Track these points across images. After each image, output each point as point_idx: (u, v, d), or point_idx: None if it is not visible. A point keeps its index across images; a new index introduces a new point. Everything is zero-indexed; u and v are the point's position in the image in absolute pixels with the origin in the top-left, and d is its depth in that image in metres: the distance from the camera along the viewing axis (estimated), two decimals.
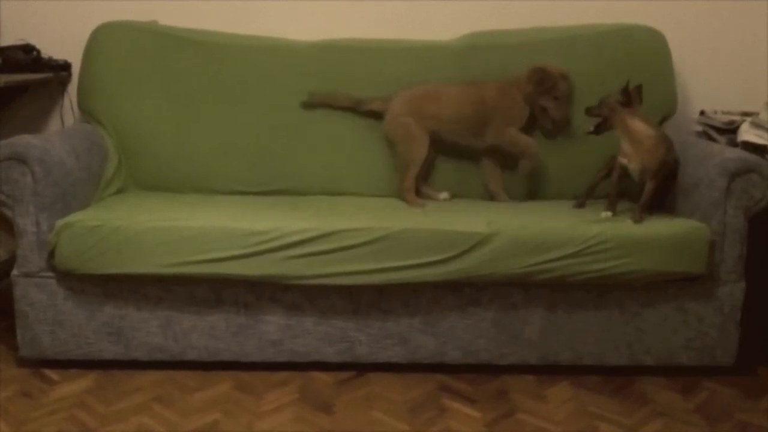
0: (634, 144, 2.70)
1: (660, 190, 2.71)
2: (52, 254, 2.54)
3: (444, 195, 2.99)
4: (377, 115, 3.02)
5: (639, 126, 2.70)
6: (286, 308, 2.61)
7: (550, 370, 2.67)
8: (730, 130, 2.95)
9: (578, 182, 2.98)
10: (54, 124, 3.30)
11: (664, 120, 3.09)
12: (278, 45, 3.11)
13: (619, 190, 2.77)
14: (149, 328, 2.61)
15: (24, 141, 2.58)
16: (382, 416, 2.42)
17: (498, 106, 2.95)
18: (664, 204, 2.78)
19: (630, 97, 2.71)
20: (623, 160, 2.73)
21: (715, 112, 3.10)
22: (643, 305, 2.61)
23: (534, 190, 3.05)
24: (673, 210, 2.75)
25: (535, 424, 2.39)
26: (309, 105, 3.03)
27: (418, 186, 2.99)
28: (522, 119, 2.97)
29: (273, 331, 2.62)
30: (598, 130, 2.78)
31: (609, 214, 2.72)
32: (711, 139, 3.00)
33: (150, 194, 2.99)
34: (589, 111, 2.81)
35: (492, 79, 3.02)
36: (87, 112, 3.09)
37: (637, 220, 2.63)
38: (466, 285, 2.58)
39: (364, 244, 2.52)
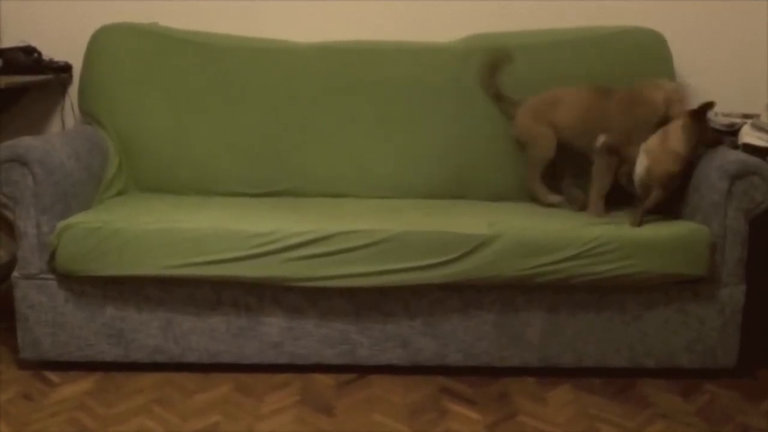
0: (659, 145, 2.68)
1: (664, 200, 2.70)
2: (52, 256, 2.54)
3: (558, 198, 2.92)
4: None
5: (676, 134, 2.67)
6: (286, 310, 2.60)
7: (551, 373, 2.67)
8: (730, 133, 2.95)
9: (580, 184, 3.00)
10: (55, 126, 3.29)
11: None
12: (279, 47, 3.11)
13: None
14: (150, 330, 2.61)
15: (25, 143, 2.57)
16: (382, 418, 2.42)
17: (622, 125, 2.83)
18: (668, 208, 2.78)
19: (699, 110, 2.68)
20: (641, 155, 2.69)
21: (716, 115, 3.10)
22: (644, 307, 2.61)
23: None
24: (674, 212, 2.74)
25: (536, 427, 2.39)
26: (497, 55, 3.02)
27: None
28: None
29: (274, 333, 2.61)
30: None
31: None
32: None
33: (151, 196, 2.99)
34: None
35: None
36: (88, 114, 3.09)
37: (636, 225, 2.62)
38: (467, 287, 2.58)
39: (366, 246, 2.52)
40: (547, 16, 3.22)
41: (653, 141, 2.72)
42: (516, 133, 3.00)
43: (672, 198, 2.73)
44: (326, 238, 2.52)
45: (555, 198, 2.91)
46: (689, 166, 2.70)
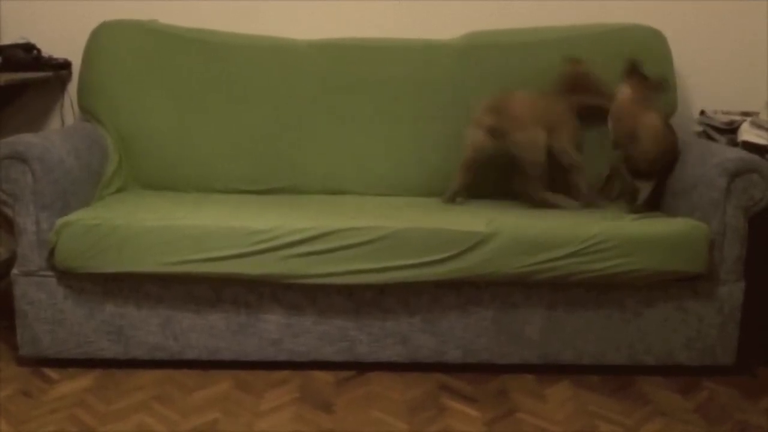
0: (613, 109, 2.83)
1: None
2: (52, 253, 2.54)
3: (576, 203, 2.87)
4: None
5: (622, 91, 2.83)
6: (286, 307, 2.60)
7: (550, 370, 2.67)
8: (730, 130, 2.95)
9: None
10: (54, 123, 3.29)
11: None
12: (279, 44, 3.11)
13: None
14: (149, 327, 2.61)
15: (24, 140, 2.57)
16: (381, 415, 2.42)
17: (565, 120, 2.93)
18: (660, 202, 2.79)
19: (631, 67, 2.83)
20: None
21: (716, 112, 3.10)
22: (643, 305, 2.61)
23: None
24: (673, 210, 2.74)
25: (535, 424, 2.39)
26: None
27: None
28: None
29: (273, 330, 2.62)
30: None
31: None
32: (711, 139, 3.00)
33: (150, 193, 2.99)
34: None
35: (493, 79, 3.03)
36: (87, 111, 3.08)
37: (637, 213, 2.67)
38: (466, 284, 2.58)
39: (365, 243, 2.52)
40: (546, 14, 3.22)
41: (611, 113, 2.85)
42: (518, 145, 2.88)
43: (660, 190, 2.78)
44: (325, 235, 2.52)
45: (574, 203, 2.87)
46: (670, 133, 2.78)
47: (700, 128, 3.13)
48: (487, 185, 3.04)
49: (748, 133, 2.85)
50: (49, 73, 3.12)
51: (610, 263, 2.52)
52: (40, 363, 2.66)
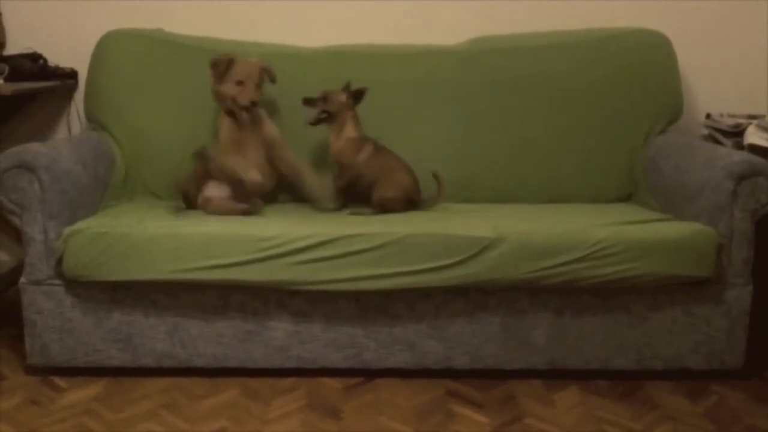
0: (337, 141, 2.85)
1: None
2: (59, 262, 2.55)
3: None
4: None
5: (348, 129, 2.86)
6: (293, 314, 2.61)
7: (557, 375, 2.66)
8: (736, 133, 2.95)
9: (585, 184, 3.01)
10: (61, 132, 3.31)
11: (670, 123, 3.09)
12: (284, 51, 3.12)
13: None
14: (157, 335, 2.61)
15: (31, 149, 2.58)
16: (389, 422, 2.42)
17: None
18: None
19: (354, 100, 2.86)
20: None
21: (721, 116, 3.10)
22: (650, 309, 2.61)
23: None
24: (680, 214, 2.73)
25: (543, 429, 2.39)
26: None
27: None
28: None
29: (280, 337, 2.62)
30: (318, 122, 2.89)
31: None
32: (717, 142, 3.00)
33: (157, 201, 2.99)
34: (308, 102, 2.87)
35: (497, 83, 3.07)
36: (94, 120, 3.10)
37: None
38: (473, 290, 2.58)
39: (371, 249, 2.52)
40: (551, 18, 3.23)
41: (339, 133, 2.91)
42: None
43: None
44: (331, 241, 2.52)
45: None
46: None
47: (706, 132, 3.13)
48: (493, 189, 3.04)
49: (754, 136, 2.85)
50: (56, 83, 3.14)
51: (617, 268, 2.51)
52: (48, 371, 2.67)
